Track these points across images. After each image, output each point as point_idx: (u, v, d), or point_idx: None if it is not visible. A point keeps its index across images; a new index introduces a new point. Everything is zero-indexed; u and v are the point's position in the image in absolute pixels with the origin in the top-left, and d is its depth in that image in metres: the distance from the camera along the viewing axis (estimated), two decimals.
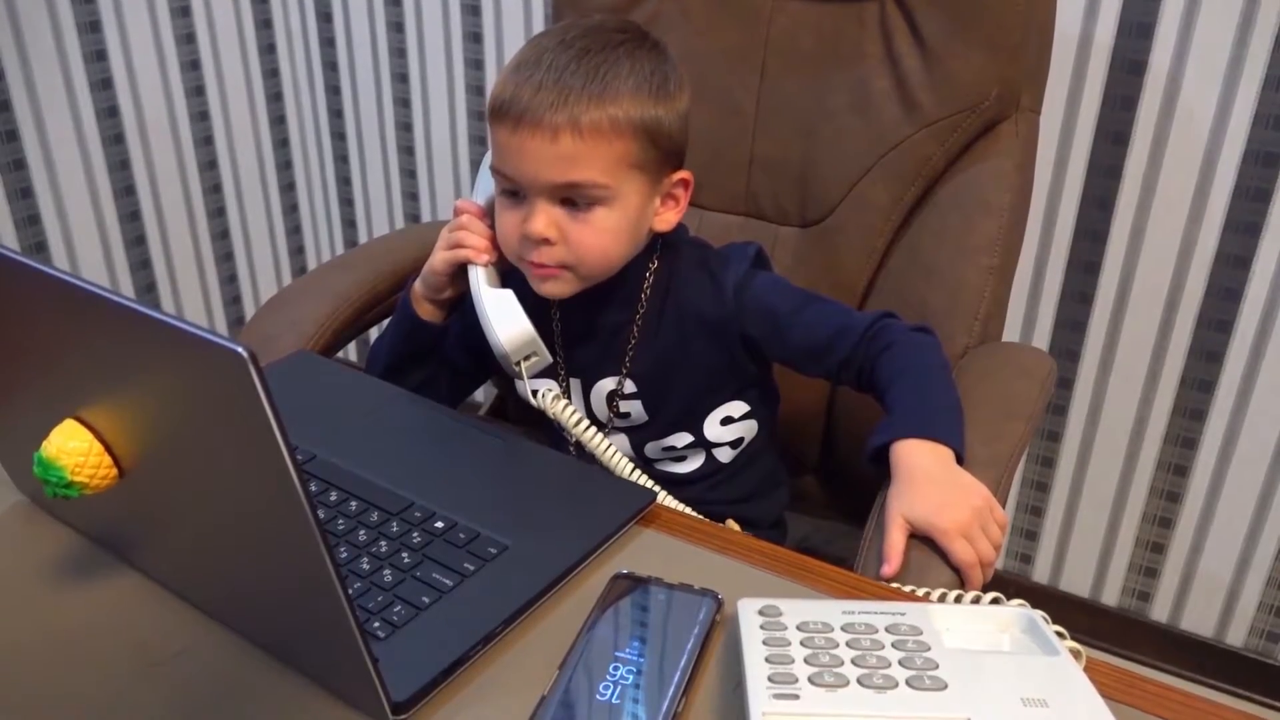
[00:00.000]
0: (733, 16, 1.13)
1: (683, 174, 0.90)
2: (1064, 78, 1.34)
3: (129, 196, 1.79)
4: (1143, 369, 1.43)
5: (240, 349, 0.41)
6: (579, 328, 0.95)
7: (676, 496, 0.84)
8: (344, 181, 2.04)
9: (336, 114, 1.98)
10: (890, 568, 0.75)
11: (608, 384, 0.95)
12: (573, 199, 0.84)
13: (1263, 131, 1.26)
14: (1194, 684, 1.52)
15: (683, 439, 0.96)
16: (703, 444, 0.96)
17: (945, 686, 0.52)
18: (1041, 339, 1.48)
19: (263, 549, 0.53)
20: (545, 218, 0.84)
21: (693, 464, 0.98)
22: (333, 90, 1.96)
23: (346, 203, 2.06)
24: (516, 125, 0.82)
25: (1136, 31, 1.28)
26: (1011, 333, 1.48)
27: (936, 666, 0.53)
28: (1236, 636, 1.50)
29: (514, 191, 0.86)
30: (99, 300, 0.48)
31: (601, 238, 0.86)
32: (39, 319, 0.55)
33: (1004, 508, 0.82)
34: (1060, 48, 1.21)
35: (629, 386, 0.94)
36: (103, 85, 1.70)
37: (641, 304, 0.92)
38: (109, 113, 1.72)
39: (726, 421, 0.96)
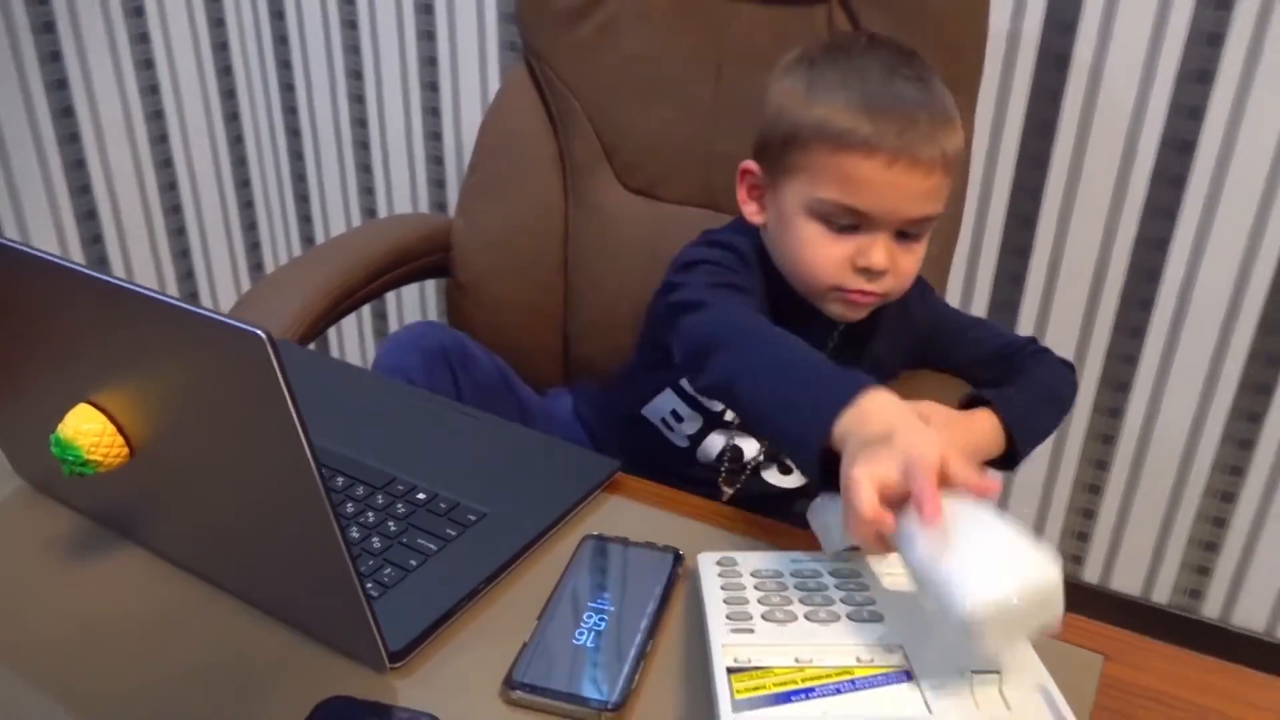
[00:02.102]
0: (689, 18, 1.19)
1: None
2: (995, 73, 1.41)
3: (84, 195, 1.81)
4: (1071, 344, 1.51)
5: (260, 331, 0.46)
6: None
7: (774, 510, 0.83)
8: (299, 178, 2.07)
9: (291, 110, 2.01)
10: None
11: None
12: (910, 231, 0.87)
13: (1179, 120, 1.34)
14: None
15: None
16: None
17: (882, 619, 0.59)
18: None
19: (271, 514, 0.58)
20: (887, 249, 0.86)
21: (799, 478, 1.03)
22: (286, 87, 1.99)
23: (302, 198, 2.09)
24: (892, 161, 0.83)
25: (1061, 28, 1.36)
26: None
27: (874, 603, 0.60)
28: None
29: (845, 224, 0.87)
30: (117, 291, 0.53)
31: (918, 264, 0.90)
32: (51, 311, 0.59)
33: None
34: (990, 45, 1.28)
35: None
36: (58, 86, 1.72)
37: (835, 336, 0.97)
38: (64, 113, 1.74)
39: None
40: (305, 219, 2.11)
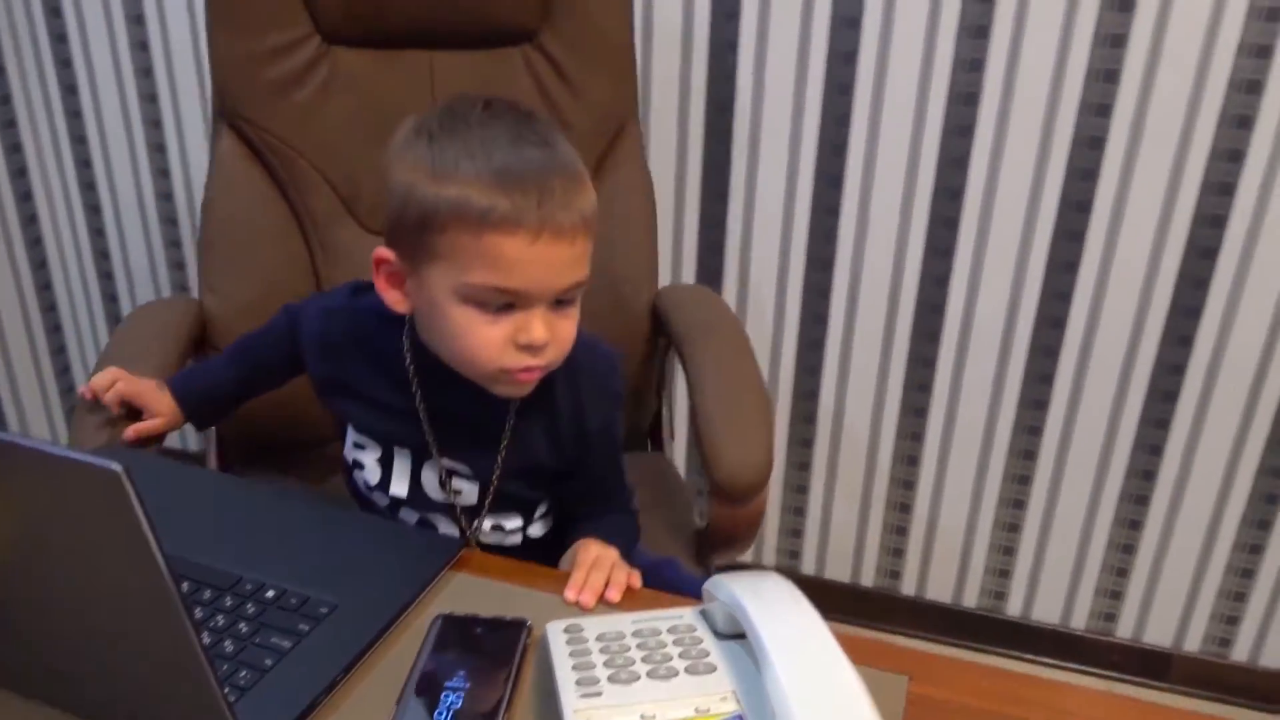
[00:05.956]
0: (395, 72, 1.31)
1: None
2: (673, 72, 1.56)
3: None
4: (771, 289, 1.65)
5: (116, 467, 0.48)
6: (445, 411, 0.94)
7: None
8: (102, 255, 2.01)
9: (89, 187, 1.95)
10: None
11: (444, 463, 0.94)
12: (564, 299, 0.84)
13: (836, 97, 1.51)
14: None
15: (514, 521, 0.99)
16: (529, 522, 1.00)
17: (715, 669, 0.65)
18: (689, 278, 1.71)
19: (126, 637, 0.58)
20: (545, 322, 0.83)
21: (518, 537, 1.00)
22: (83, 164, 1.93)
23: (106, 276, 2.03)
24: (535, 237, 0.79)
25: (725, 17, 1.51)
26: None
27: (708, 655, 0.66)
28: (908, 586, 1.75)
29: (500, 304, 0.83)
30: None
31: (575, 327, 0.87)
32: None
33: None
34: (667, 47, 1.53)
35: (463, 469, 0.95)
36: None
37: (515, 402, 0.92)
38: None
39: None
40: (110, 297, 2.04)
